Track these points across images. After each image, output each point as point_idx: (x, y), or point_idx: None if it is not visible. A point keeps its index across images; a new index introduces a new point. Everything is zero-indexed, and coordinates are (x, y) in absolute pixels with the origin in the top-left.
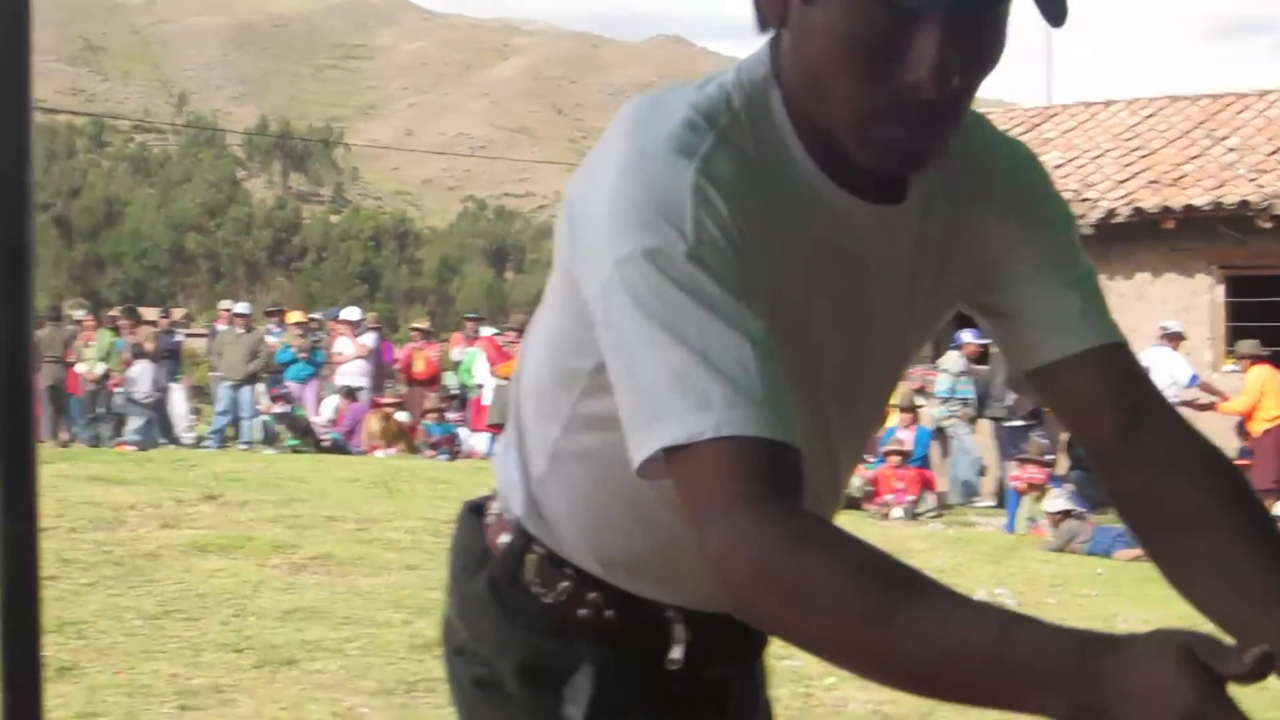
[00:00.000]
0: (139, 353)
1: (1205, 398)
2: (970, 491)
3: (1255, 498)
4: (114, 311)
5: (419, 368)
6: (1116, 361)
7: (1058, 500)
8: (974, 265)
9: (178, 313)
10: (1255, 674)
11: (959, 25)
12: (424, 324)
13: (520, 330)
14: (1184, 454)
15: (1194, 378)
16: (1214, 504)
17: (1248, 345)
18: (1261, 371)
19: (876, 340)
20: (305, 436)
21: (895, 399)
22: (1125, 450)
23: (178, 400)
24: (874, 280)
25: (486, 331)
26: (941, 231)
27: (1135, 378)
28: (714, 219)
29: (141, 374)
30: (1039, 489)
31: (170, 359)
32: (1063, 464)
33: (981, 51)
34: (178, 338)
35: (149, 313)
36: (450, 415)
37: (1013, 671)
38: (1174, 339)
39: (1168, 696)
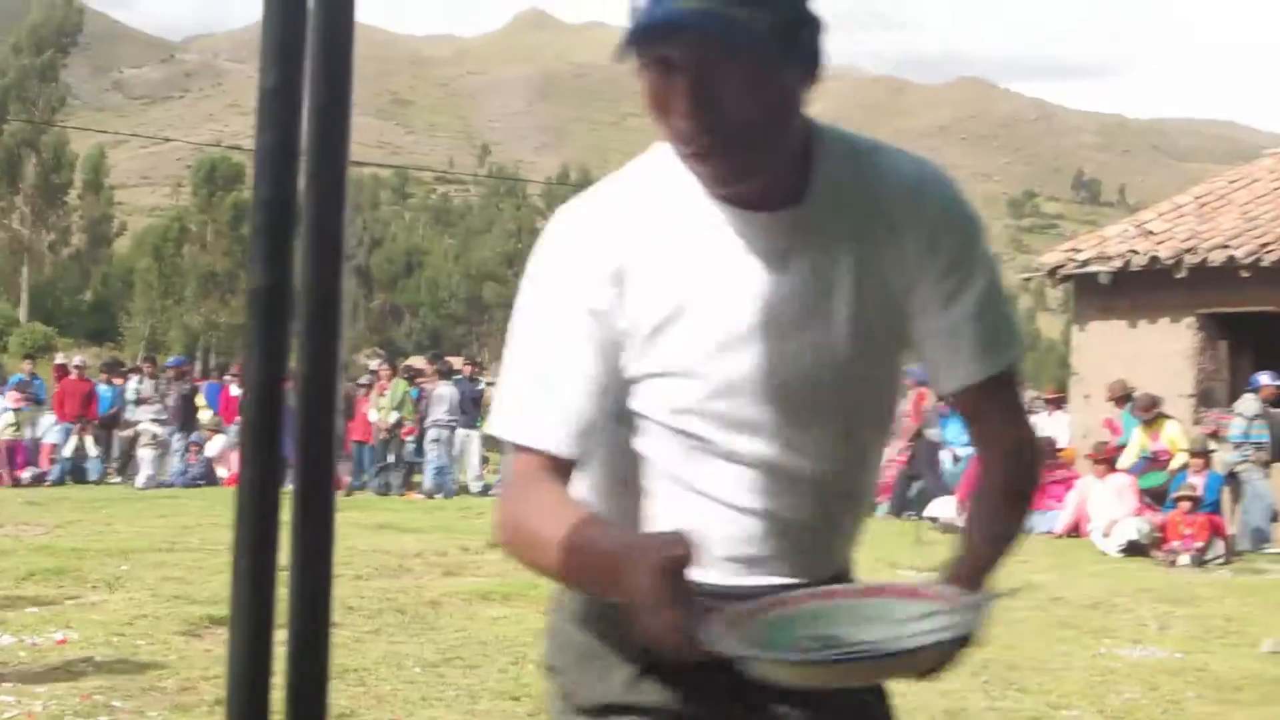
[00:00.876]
0: (444, 372)
1: None
2: (1261, 538)
3: (1024, 489)
4: (410, 360)
5: None
6: (993, 388)
7: None
8: (894, 285)
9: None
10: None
11: (709, 78)
12: None
13: None
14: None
15: None
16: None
17: None
18: None
19: (805, 332)
20: None
21: (1186, 443)
22: (987, 445)
23: (473, 449)
24: (784, 272)
25: None
26: (855, 242)
27: (1004, 398)
28: (572, 258)
29: (443, 394)
30: None
31: (472, 407)
32: None
33: (742, 96)
34: (481, 386)
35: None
36: None
37: (602, 559)
38: None
39: (636, 577)
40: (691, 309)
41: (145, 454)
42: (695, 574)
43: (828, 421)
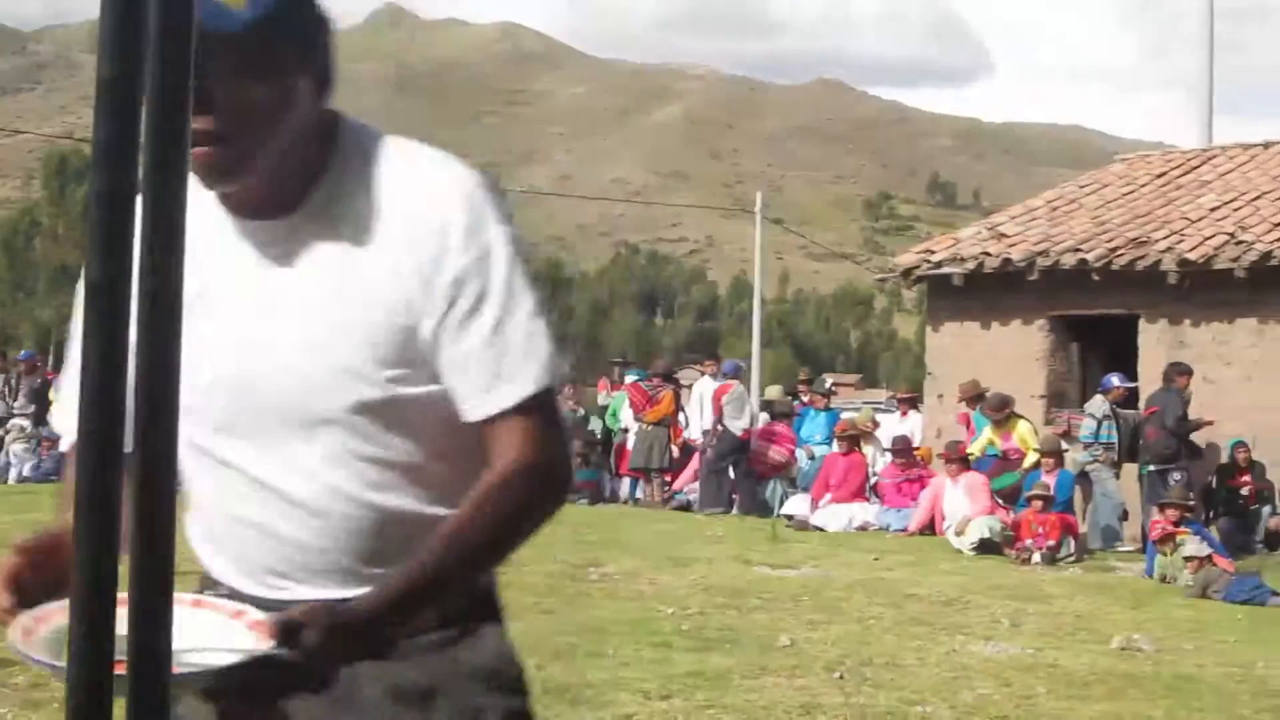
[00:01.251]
0: None
1: None
2: (1112, 536)
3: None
4: None
5: None
6: (499, 422)
7: (1193, 547)
8: (394, 303)
9: None
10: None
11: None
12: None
13: (663, 375)
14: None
15: None
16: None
17: None
18: None
19: (284, 344)
20: None
21: (1037, 443)
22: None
23: None
24: (268, 281)
25: (631, 377)
26: (349, 256)
27: (508, 433)
28: None
29: None
30: (1172, 540)
31: None
32: (1202, 510)
33: (225, 86)
34: None
35: None
36: (594, 460)
37: None
38: None
39: None
40: (188, 315)
41: (16, 448)
42: (235, 581)
43: (311, 440)
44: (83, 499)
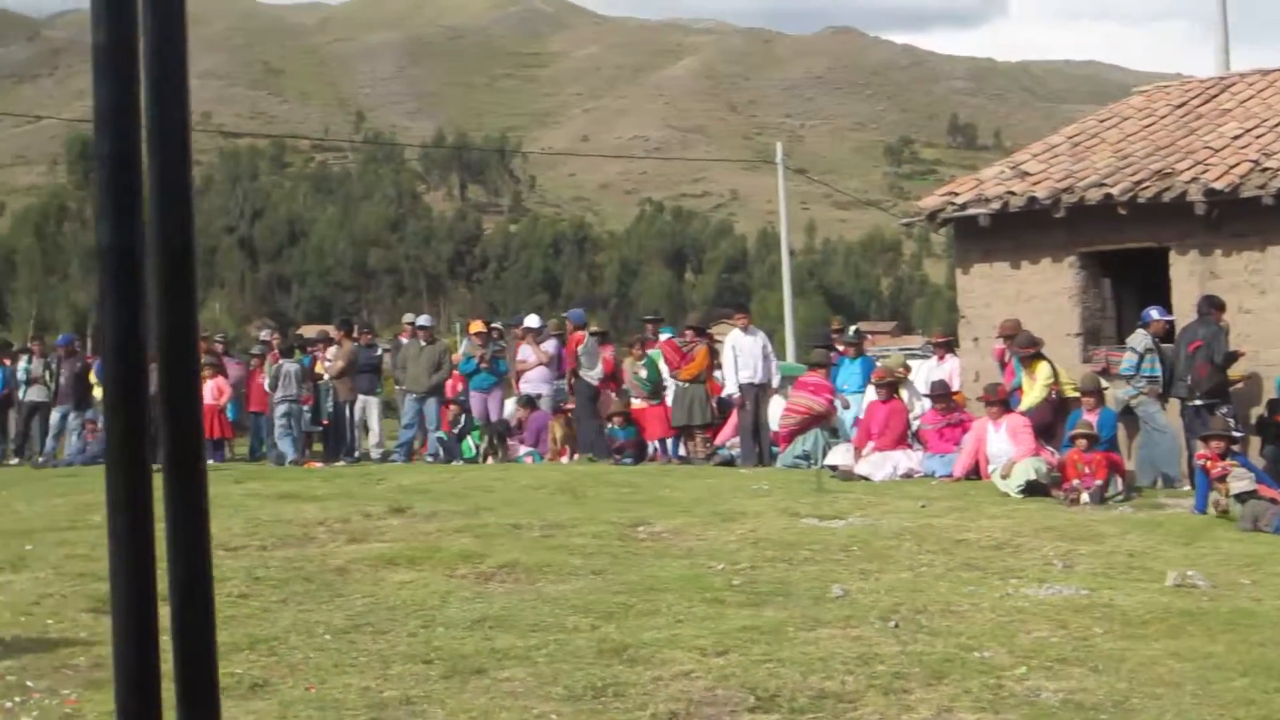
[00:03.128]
0: (286, 351)
1: None
2: (1171, 473)
3: None
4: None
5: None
6: None
7: (1240, 481)
8: None
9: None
10: None
11: None
12: (599, 327)
13: (696, 330)
14: None
15: None
16: None
17: None
18: None
19: None
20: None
21: (1077, 381)
22: None
23: (374, 415)
24: None
25: (665, 334)
26: None
27: None
28: None
29: (288, 373)
30: (1223, 477)
31: (371, 373)
32: (1254, 442)
33: None
34: (379, 351)
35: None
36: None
37: None
38: None
39: None
40: None
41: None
42: None
43: None
44: (113, 493)
